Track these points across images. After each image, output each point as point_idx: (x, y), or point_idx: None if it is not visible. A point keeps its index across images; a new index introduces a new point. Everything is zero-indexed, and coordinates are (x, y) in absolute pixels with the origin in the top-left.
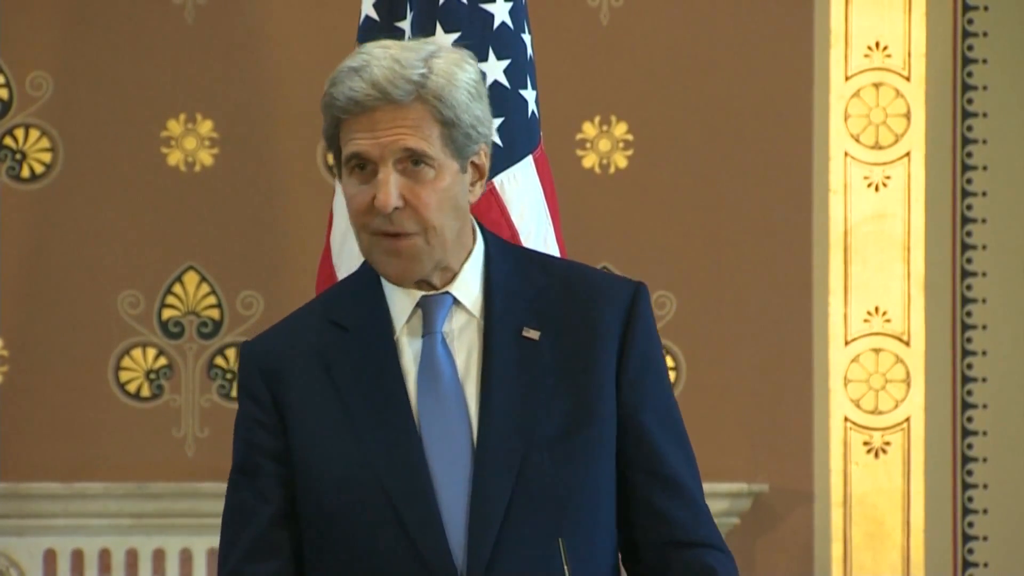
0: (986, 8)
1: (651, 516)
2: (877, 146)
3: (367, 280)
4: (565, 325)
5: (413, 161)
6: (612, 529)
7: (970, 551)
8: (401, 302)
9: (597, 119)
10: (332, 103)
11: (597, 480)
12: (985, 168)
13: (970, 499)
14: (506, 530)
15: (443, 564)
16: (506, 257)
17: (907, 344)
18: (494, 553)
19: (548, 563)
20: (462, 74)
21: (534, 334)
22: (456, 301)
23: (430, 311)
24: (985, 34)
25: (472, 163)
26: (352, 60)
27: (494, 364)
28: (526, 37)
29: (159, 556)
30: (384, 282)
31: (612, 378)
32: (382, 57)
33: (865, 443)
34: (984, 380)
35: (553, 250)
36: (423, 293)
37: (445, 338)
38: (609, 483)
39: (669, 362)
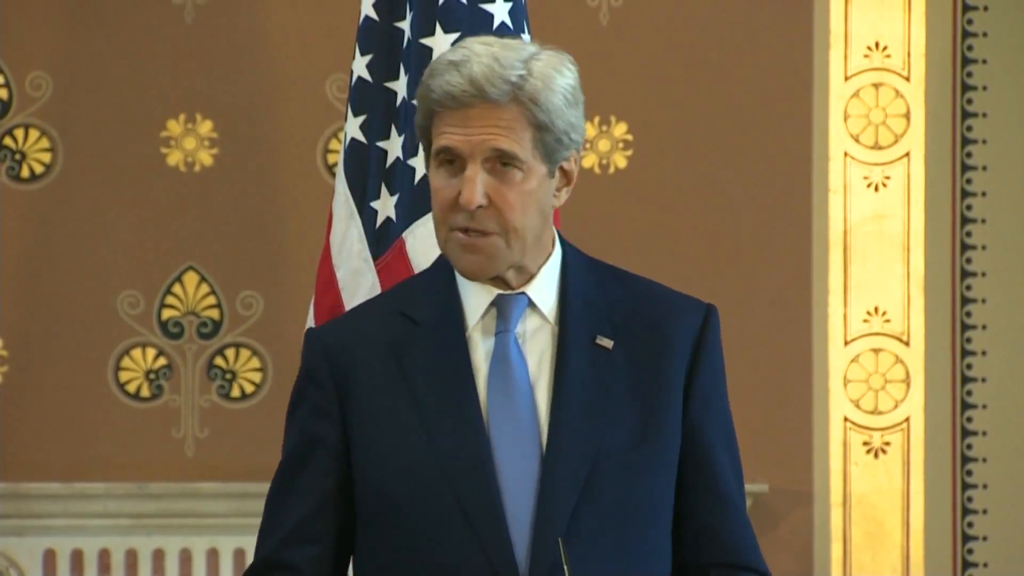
0: (986, 8)
1: (703, 535)
2: (877, 146)
3: (441, 275)
4: (638, 338)
5: (502, 162)
6: (669, 541)
7: (970, 551)
8: (476, 299)
9: (597, 119)
10: (428, 94)
11: (660, 492)
12: (985, 168)
13: (970, 499)
14: (569, 537)
15: (506, 563)
16: (583, 266)
17: (907, 344)
18: (557, 557)
19: (611, 570)
20: (560, 79)
21: (608, 343)
22: (531, 303)
23: (505, 310)
24: (985, 34)
25: (561, 168)
26: (452, 54)
27: (567, 369)
28: (526, 37)
29: (159, 556)
30: (459, 278)
31: (680, 394)
32: (483, 54)
33: (865, 443)
34: (984, 380)
35: None
36: (499, 291)
37: (517, 339)
38: (670, 496)
39: None
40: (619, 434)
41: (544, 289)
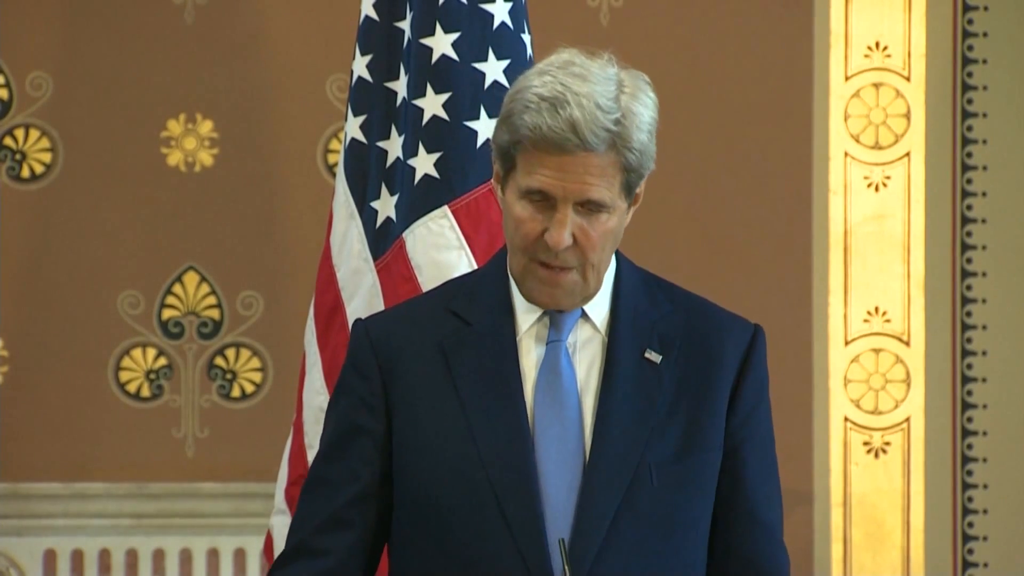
0: (986, 8)
1: (728, 552)
2: (877, 146)
3: (495, 278)
4: (685, 353)
5: (590, 209)
6: (706, 555)
7: (970, 551)
8: (529, 305)
9: None
10: (520, 127)
11: (699, 506)
12: (985, 168)
13: (970, 499)
14: (608, 545)
15: (541, 567)
16: (635, 280)
17: (907, 344)
18: (594, 567)
19: None
20: (646, 112)
21: (656, 357)
22: (584, 314)
23: (558, 319)
24: (985, 34)
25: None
26: (543, 86)
27: (615, 381)
28: (526, 37)
29: (159, 556)
30: (513, 284)
31: (724, 411)
32: (580, 94)
33: (865, 443)
34: (984, 380)
35: None
36: None
37: (568, 348)
38: (709, 510)
39: None
40: (662, 447)
41: (597, 301)
